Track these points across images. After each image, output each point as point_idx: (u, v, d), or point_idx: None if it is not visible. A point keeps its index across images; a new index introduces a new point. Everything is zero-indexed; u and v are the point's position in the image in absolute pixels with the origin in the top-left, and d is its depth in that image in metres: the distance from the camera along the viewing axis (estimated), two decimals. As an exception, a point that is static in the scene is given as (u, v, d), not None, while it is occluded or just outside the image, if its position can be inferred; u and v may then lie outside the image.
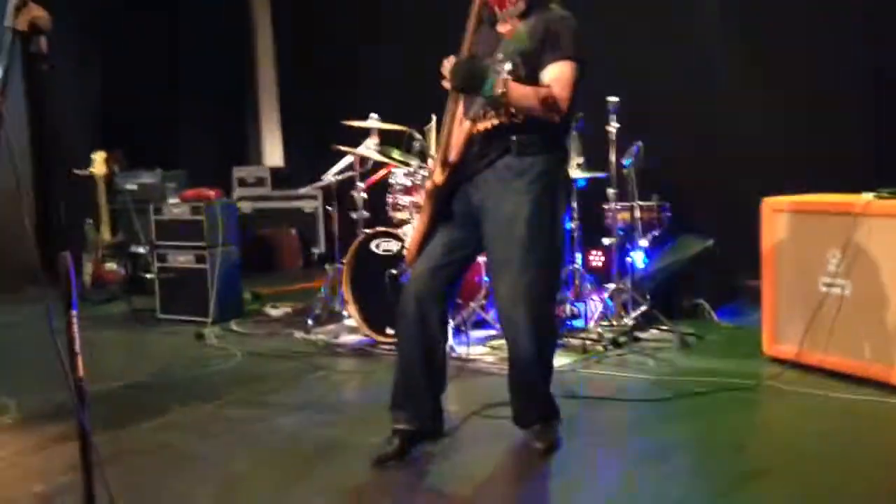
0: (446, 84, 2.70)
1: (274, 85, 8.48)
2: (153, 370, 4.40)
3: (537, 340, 2.81)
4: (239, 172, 8.06)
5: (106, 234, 6.40)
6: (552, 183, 2.85)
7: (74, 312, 1.97)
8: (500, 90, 2.57)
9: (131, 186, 6.84)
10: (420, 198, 4.56)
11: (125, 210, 6.53)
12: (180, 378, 4.24)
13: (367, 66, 7.33)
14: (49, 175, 2.01)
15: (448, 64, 2.70)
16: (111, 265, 6.39)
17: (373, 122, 5.03)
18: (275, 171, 8.06)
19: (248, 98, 8.59)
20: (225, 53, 8.24)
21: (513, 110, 2.69)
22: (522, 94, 2.67)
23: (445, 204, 2.92)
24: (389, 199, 4.77)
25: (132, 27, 7.64)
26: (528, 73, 2.74)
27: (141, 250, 6.37)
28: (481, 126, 2.72)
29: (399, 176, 4.75)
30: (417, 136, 4.80)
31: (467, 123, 2.82)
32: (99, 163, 6.25)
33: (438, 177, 2.90)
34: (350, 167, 5.26)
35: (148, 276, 5.80)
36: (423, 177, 4.57)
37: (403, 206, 4.69)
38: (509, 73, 2.62)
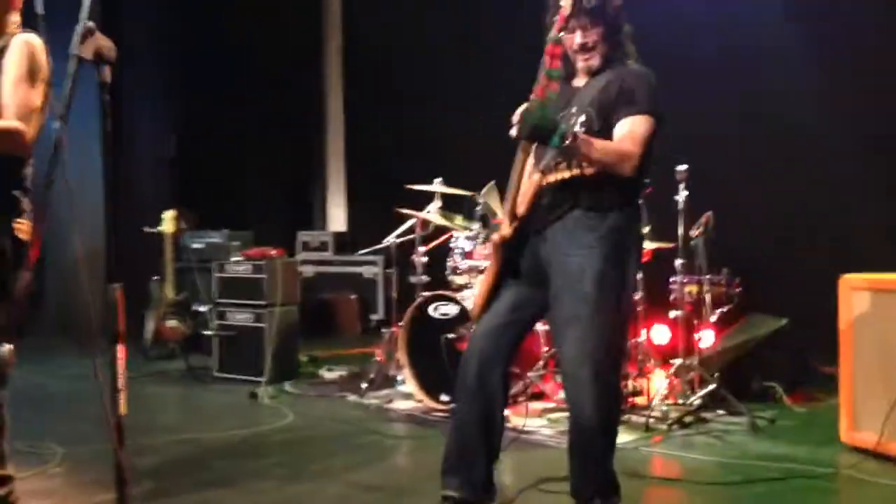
0: (514, 132, 2.61)
1: (341, 150, 8.63)
2: (204, 427, 4.33)
3: (601, 404, 2.64)
4: (303, 236, 8.12)
5: (170, 292, 6.47)
6: (624, 240, 2.72)
7: (120, 347, 1.93)
8: (569, 141, 2.48)
9: (197, 245, 6.94)
10: (481, 261, 4.49)
11: (189, 268, 6.61)
12: (229, 436, 4.16)
13: (433, 130, 7.37)
14: (114, 205, 2.02)
15: (519, 111, 2.63)
16: (173, 322, 6.43)
17: (435, 186, 5.01)
18: (337, 236, 8.10)
19: (315, 163, 8.74)
20: (295, 119, 8.43)
21: (584, 163, 2.60)
22: (593, 146, 2.58)
23: (513, 259, 2.83)
24: (450, 264, 4.72)
25: (206, 92, 7.90)
26: (602, 126, 2.67)
27: (202, 308, 6.41)
28: (552, 178, 2.63)
29: (460, 240, 4.70)
30: (480, 200, 4.75)
31: (537, 175, 2.73)
32: (168, 221, 6.37)
33: (506, 229, 2.81)
34: (411, 231, 5.25)
35: (207, 333, 5.81)
36: (485, 240, 4.51)
37: (463, 271, 4.62)
38: (582, 124, 2.54)
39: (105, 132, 2.09)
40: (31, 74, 2.59)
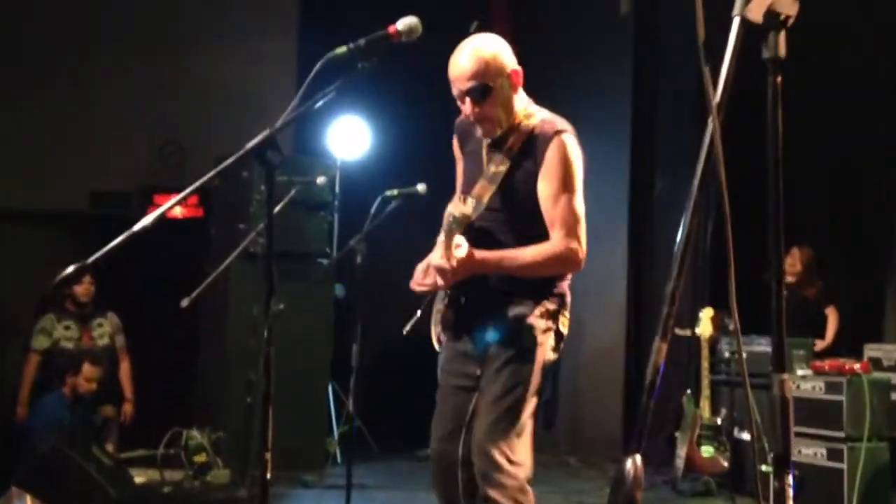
0: None
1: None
2: None
3: None
4: (871, 351, 6.36)
5: (705, 411, 5.26)
6: None
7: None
8: None
9: (737, 354, 5.67)
10: None
11: (728, 382, 5.38)
12: None
13: None
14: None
15: None
16: (708, 450, 5.18)
17: None
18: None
19: (887, 255, 6.93)
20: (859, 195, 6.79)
21: None
22: None
23: None
24: None
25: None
26: None
27: (746, 436, 5.08)
28: None
29: None
30: None
31: None
32: (706, 322, 5.23)
33: None
34: None
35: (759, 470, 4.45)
36: None
37: None
38: None
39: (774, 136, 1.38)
40: (570, 182, 2.50)
